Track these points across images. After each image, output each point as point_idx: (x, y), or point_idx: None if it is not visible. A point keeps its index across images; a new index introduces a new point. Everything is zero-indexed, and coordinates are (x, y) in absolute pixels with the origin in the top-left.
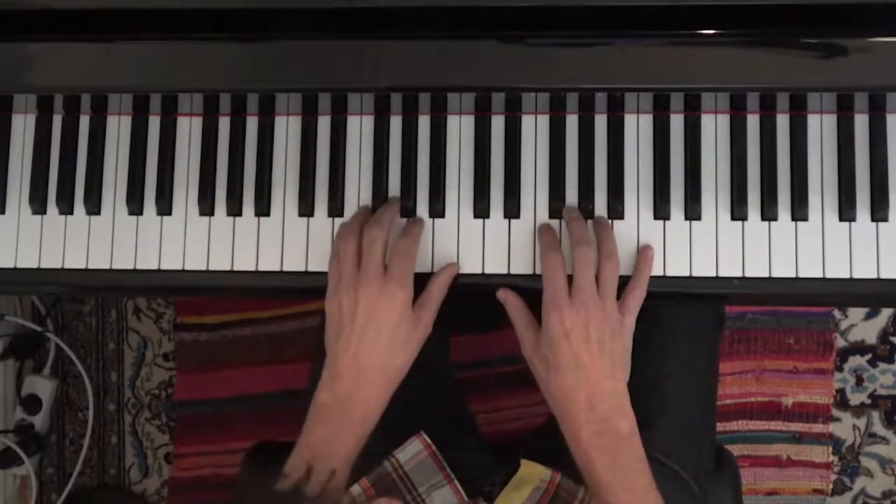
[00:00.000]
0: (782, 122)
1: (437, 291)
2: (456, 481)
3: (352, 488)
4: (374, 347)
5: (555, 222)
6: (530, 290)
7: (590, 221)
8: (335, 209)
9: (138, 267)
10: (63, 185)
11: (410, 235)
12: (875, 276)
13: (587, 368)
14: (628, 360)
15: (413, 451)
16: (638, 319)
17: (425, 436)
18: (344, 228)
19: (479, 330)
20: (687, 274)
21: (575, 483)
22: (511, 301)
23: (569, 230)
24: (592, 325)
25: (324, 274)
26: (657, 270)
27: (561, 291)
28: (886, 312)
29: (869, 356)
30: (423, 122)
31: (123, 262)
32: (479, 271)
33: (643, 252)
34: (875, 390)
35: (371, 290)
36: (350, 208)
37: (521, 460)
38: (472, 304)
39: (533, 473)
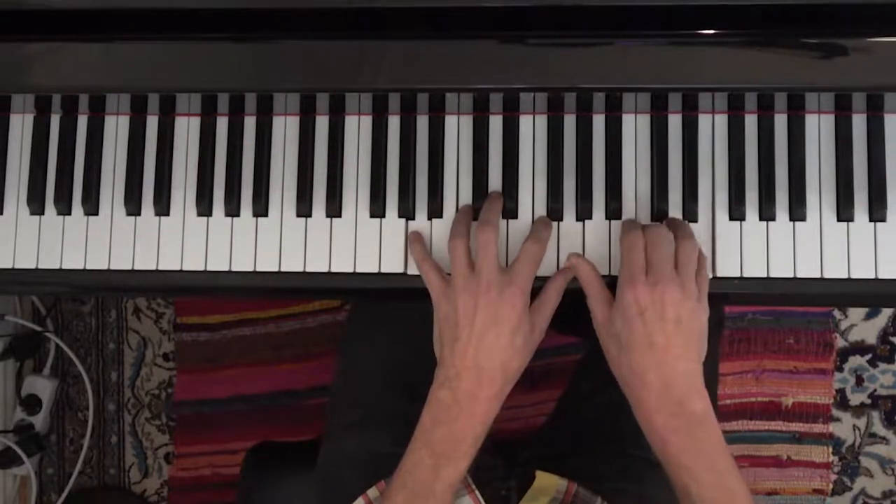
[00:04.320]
0: (780, 122)
1: (553, 296)
2: (476, 491)
3: (369, 491)
4: (493, 350)
5: (553, 223)
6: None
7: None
8: (333, 210)
9: (136, 267)
10: (61, 185)
11: (540, 241)
12: (873, 276)
13: (660, 348)
14: (705, 341)
15: None
16: None
17: None
18: (452, 230)
19: None
20: None
21: (591, 493)
22: (584, 269)
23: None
24: (668, 302)
25: (323, 274)
26: None
27: (638, 269)
28: (886, 312)
29: (869, 356)
30: (422, 123)
31: (121, 263)
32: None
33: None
34: (875, 390)
35: (491, 295)
36: (348, 208)
37: (535, 471)
38: None
39: (549, 485)
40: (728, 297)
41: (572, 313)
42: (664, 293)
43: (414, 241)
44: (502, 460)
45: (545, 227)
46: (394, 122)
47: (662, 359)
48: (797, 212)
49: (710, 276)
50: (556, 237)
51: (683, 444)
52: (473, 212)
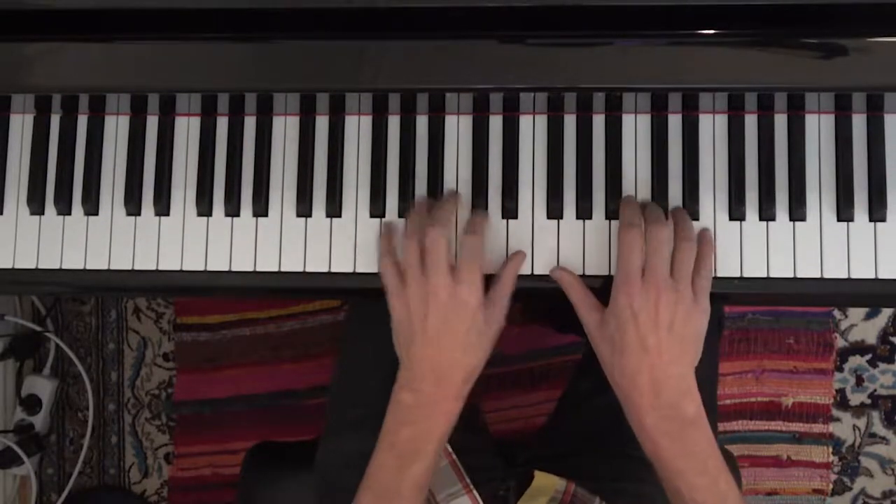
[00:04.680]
0: (780, 122)
1: (506, 285)
2: (475, 491)
3: None
4: (450, 350)
5: (552, 223)
6: (530, 290)
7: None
8: (333, 209)
9: (136, 267)
10: (61, 185)
11: (477, 233)
12: (873, 277)
13: (653, 352)
14: (700, 344)
15: None
16: None
17: (447, 444)
18: (406, 228)
19: None
20: None
21: (589, 493)
22: (566, 279)
23: (645, 210)
24: (663, 306)
25: (323, 274)
26: None
27: (633, 271)
28: (886, 312)
29: (869, 356)
30: (422, 123)
31: (121, 263)
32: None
33: (702, 235)
34: (875, 390)
35: (441, 295)
36: (348, 208)
37: (534, 472)
38: None
39: (547, 485)
40: (728, 297)
41: (572, 314)
42: (659, 297)
43: (385, 234)
44: (501, 460)
45: (478, 216)
46: (394, 122)
47: (655, 363)
48: (797, 212)
49: (713, 275)
50: (557, 237)
51: (675, 447)
52: (447, 211)
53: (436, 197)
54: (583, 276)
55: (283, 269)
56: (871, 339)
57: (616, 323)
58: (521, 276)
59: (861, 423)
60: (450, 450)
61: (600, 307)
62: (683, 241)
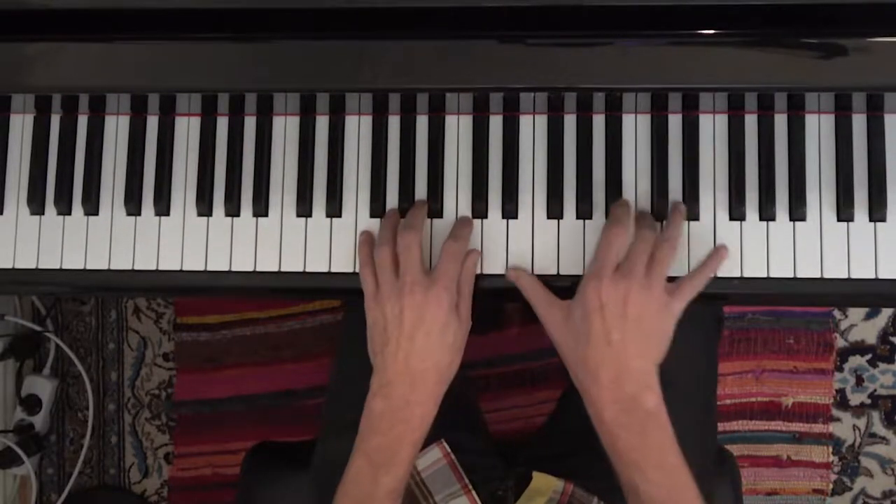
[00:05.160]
0: (780, 122)
1: (466, 283)
2: (473, 492)
3: None
4: (424, 351)
5: (552, 223)
6: None
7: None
8: (333, 210)
9: (136, 267)
10: (61, 185)
11: (461, 239)
12: (873, 277)
13: (617, 345)
14: (666, 344)
15: (432, 459)
16: None
17: (445, 444)
18: (378, 236)
19: (479, 330)
20: (686, 274)
21: (587, 493)
22: (524, 278)
23: (638, 215)
24: (631, 301)
25: (323, 274)
26: None
27: (607, 264)
28: (886, 312)
29: (869, 356)
30: (422, 123)
31: (122, 263)
32: (479, 272)
33: (718, 250)
34: (875, 390)
35: (415, 297)
36: (348, 209)
37: (532, 473)
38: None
39: (545, 486)
40: (728, 297)
41: None
42: (629, 291)
43: (362, 245)
44: (500, 461)
45: (464, 225)
46: (394, 122)
47: (619, 356)
48: (797, 212)
49: (714, 274)
50: (557, 237)
51: (633, 440)
52: (419, 217)
53: (436, 197)
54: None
55: (283, 270)
56: (871, 339)
57: (582, 313)
58: None
59: (861, 423)
60: (448, 450)
61: (561, 303)
62: (664, 241)
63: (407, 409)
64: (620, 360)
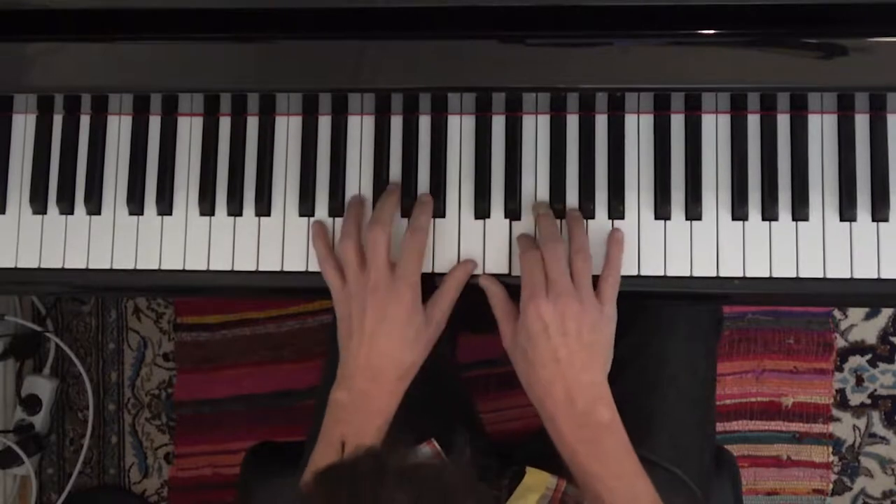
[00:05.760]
0: (783, 121)
1: (451, 289)
2: None
3: None
4: (385, 347)
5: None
6: None
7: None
8: (336, 209)
9: (139, 267)
10: (63, 185)
11: (419, 231)
12: (876, 277)
13: (564, 363)
14: (610, 351)
15: (424, 457)
16: (636, 323)
17: (436, 443)
18: (342, 229)
19: (478, 330)
20: (687, 274)
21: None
22: (493, 289)
23: (538, 227)
24: (569, 317)
25: None
26: (657, 271)
27: (538, 286)
28: (886, 312)
29: (869, 356)
30: (424, 123)
31: (124, 263)
32: (480, 272)
33: (612, 236)
34: (875, 390)
35: (379, 293)
36: None
37: (526, 468)
38: (471, 304)
39: (538, 482)
40: (729, 297)
41: None
42: (565, 308)
43: (317, 237)
44: (496, 460)
45: (421, 213)
46: (396, 122)
47: (567, 372)
48: (800, 212)
49: (715, 274)
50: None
51: (591, 452)
52: (388, 209)
53: (439, 197)
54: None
55: (285, 269)
56: (871, 339)
57: (526, 335)
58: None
59: (861, 423)
60: (438, 449)
61: (515, 321)
62: (576, 254)
63: (368, 401)
64: (569, 376)
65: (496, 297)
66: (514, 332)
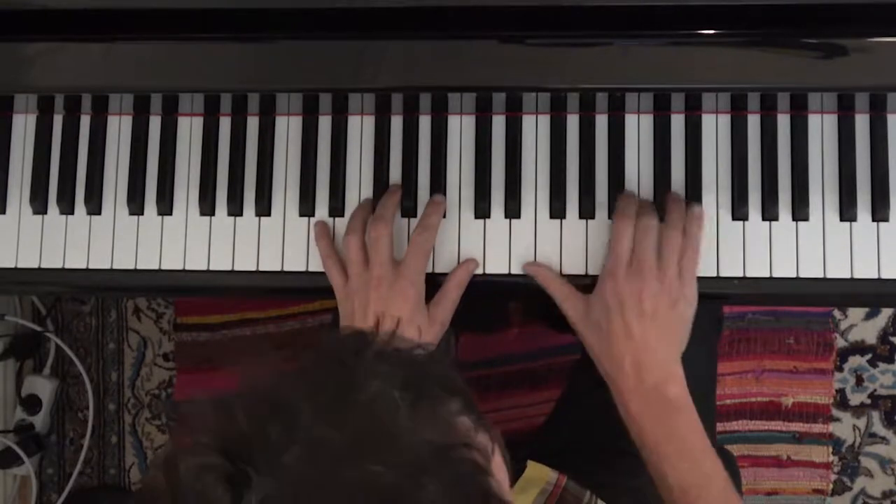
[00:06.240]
0: (783, 122)
1: (453, 289)
2: None
3: None
4: None
5: (555, 222)
6: (532, 290)
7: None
8: (336, 209)
9: (139, 267)
10: (64, 185)
11: (429, 229)
12: (876, 277)
13: (638, 339)
14: (686, 331)
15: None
16: None
17: None
18: (348, 225)
19: (479, 330)
20: None
21: (580, 486)
22: (542, 273)
23: (640, 203)
24: (647, 297)
25: (324, 274)
26: None
27: (621, 261)
28: (886, 312)
29: (869, 356)
30: (424, 123)
31: (124, 263)
32: (480, 271)
33: (691, 213)
34: (875, 390)
35: (382, 290)
36: (351, 208)
37: (527, 461)
38: (472, 304)
39: (539, 476)
40: (729, 296)
41: None
42: (643, 288)
43: (320, 237)
44: None
45: (432, 213)
46: (396, 122)
47: (640, 349)
48: (800, 212)
49: (716, 274)
50: (560, 237)
51: (659, 430)
52: (390, 207)
53: (444, 195)
54: (585, 276)
55: (285, 269)
56: (871, 339)
57: (602, 309)
58: (522, 277)
59: (861, 423)
60: None
61: (582, 296)
62: (670, 229)
63: None
64: (641, 353)
65: (549, 279)
66: (585, 307)
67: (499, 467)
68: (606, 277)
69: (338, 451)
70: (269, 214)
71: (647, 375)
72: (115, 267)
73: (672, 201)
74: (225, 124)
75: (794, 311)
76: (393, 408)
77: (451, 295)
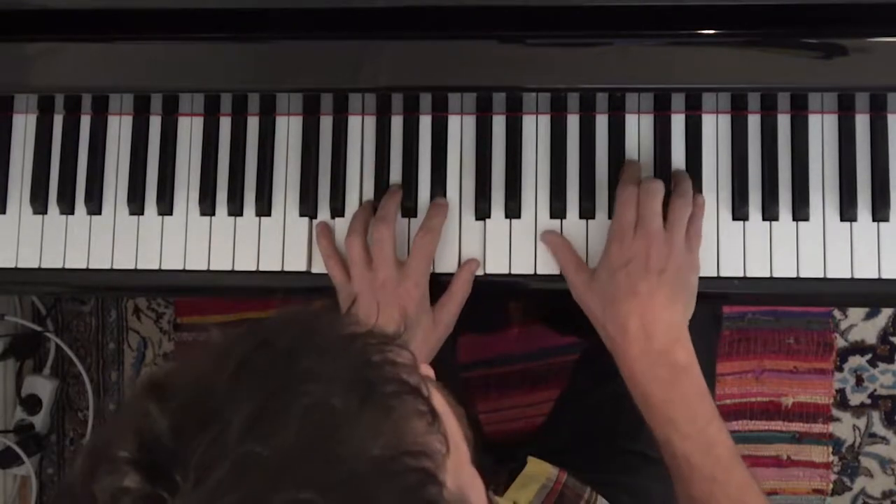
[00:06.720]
0: (783, 121)
1: (458, 292)
2: None
3: None
4: None
5: (556, 222)
6: (533, 290)
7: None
8: (336, 209)
9: (139, 267)
10: (64, 185)
11: (432, 231)
12: (876, 276)
13: (644, 296)
14: (693, 298)
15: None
16: None
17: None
18: (350, 226)
19: (479, 330)
20: None
21: (580, 483)
22: (556, 241)
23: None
24: (653, 255)
25: (326, 275)
26: None
27: (627, 225)
28: (886, 312)
29: (869, 356)
30: (425, 123)
31: (124, 263)
32: (481, 272)
33: (696, 199)
34: (875, 390)
35: (387, 289)
36: (351, 208)
37: (528, 457)
38: (472, 304)
39: (540, 471)
40: (729, 296)
41: (570, 314)
42: (650, 247)
43: (320, 237)
44: (490, 458)
45: (435, 215)
46: (397, 122)
47: (646, 307)
48: (800, 212)
49: (716, 274)
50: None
51: (665, 394)
52: (392, 208)
53: (444, 195)
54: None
55: (286, 269)
56: (871, 339)
57: (607, 273)
58: (522, 277)
59: (861, 423)
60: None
61: (587, 268)
62: (678, 196)
63: None
64: (647, 311)
65: (560, 246)
66: (588, 279)
67: (459, 466)
68: (613, 240)
69: (267, 472)
70: (269, 214)
71: (655, 336)
72: (115, 267)
73: (679, 175)
74: (225, 124)
75: (794, 311)
76: (332, 418)
77: (456, 297)
